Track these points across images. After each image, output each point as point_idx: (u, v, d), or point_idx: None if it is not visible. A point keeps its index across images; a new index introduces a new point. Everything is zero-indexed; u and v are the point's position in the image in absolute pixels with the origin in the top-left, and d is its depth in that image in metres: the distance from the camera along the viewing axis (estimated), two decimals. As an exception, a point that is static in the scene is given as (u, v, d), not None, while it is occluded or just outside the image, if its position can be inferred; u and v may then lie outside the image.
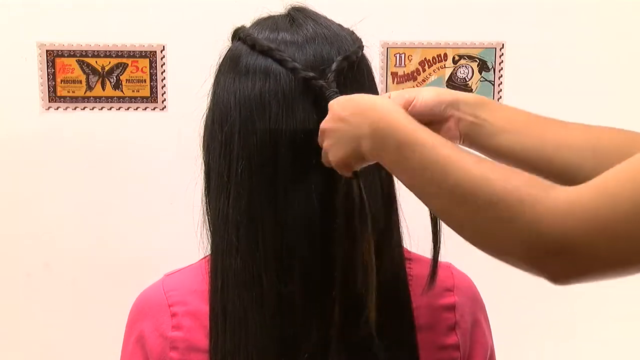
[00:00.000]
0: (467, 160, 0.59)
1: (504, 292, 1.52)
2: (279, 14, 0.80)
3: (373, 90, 0.78)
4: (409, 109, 0.71)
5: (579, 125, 0.73)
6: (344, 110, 0.68)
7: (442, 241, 0.74)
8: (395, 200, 0.78)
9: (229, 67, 0.77)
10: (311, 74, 0.72)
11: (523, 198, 0.55)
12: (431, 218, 0.74)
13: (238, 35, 0.79)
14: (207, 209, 0.79)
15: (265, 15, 0.81)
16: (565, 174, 0.71)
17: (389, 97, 0.72)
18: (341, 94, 0.72)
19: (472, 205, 0.58)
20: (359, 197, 0.71)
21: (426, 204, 0.64)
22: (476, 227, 0.59)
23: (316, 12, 0.80)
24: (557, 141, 0.71)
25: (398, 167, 0.64)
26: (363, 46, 0.79)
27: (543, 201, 0.55)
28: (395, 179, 0.75)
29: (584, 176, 0.70)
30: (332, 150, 0.69)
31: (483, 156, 0.62)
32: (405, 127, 0.63)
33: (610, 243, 0.53)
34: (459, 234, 0.61)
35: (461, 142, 0.74)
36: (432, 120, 0.72)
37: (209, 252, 0.78)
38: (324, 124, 0.70)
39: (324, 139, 0.71)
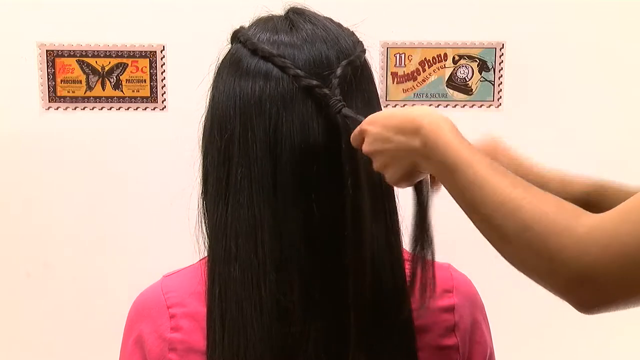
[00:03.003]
0: (504, 184, 0.59)
1: (504, 293, 1.52)
2: (278, 15, 0.80)
3: (374, 95, 0.78)
4: None
5: (556, 173, 0.77)
6: (386, 129, 0.67)
7: (431, 245, 0.74)
8: (394, 201, 0.78)
9: (229, 71, 0.75)
10: (314, 82, 0.71)
11: (550, 226, 0.55)
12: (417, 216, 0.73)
13: (238, 37, 0.77)
14: (204, 214, 0.77)
15: (264, 14, 0.80)
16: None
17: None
18: (345, 102, 0.71)
19: (506, 230, 0.58)
20: (425, 202, 0.72)
21: (470, 219, 0.64)
22: (511, 250, 0.59)
23: (315, 14, 0.79)
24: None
25: (445, 183, 0.65)
26: (365, 50, 0.78)
27: (568, 229, 0.55)
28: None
29: None
30: (389, 173, 0.69)
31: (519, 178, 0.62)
32: (450, 144, 0.63)
33: (634, 270, 0.53)
34: (498, 252, 0.61)
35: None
36: None
37: (205, 255, 0.77)
38: (367, 147, 0.69)
39: (373, 163, 0.70)
